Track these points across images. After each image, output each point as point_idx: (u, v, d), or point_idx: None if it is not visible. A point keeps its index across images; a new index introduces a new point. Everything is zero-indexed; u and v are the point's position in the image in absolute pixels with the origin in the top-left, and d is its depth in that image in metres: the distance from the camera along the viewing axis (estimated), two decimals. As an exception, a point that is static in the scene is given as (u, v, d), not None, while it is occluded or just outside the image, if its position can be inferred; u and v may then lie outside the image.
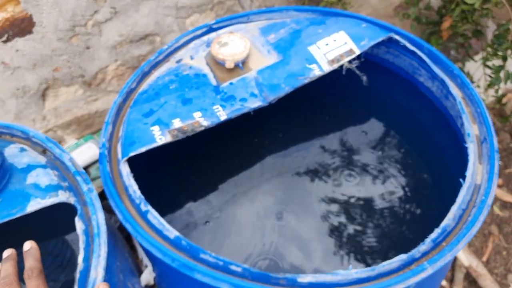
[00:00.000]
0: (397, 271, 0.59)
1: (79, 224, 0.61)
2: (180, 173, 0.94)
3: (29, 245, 0.52)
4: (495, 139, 0.69)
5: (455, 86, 0.76)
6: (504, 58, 1.18)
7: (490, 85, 1.22)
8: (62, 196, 0.62)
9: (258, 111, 0.75)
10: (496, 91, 1.24)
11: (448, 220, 0.62)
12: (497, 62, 1.22)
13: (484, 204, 0.63)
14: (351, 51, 0.78)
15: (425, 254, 0.61)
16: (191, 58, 0.83)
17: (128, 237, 1.00)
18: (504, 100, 1.51)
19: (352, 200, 0.90)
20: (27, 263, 0.51)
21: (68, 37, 1.12)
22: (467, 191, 0.64)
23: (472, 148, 0.67)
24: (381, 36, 0.79)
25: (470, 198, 0.65)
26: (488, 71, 1.24)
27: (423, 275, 0.58)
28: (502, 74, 1.19)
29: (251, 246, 0.84)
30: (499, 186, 1.44)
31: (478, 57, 1.33)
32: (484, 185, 0.65)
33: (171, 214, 0.89)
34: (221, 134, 0.89)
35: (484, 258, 1.33)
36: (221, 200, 0.91)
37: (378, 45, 0.83)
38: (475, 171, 0.67)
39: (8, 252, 0.52)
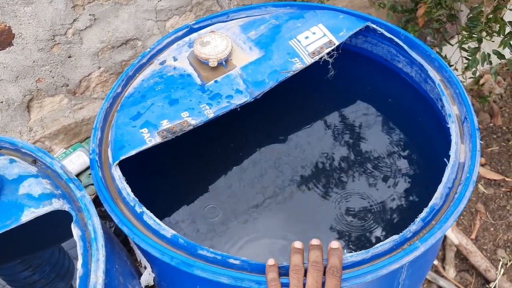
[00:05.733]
0: (390, 252, 0.61)
1: (75, 231, 0.62)
2: (173, 173, 0.95)
3: (337, 245, 0.59)
4: (475, 118, 0.71)
5: (433, 69, 0.79)
6: (479, 40, 1.21)
7: (467, 68, 1.25)
8: (56, 204, 0.62)
9: (244, 107, 0.76)
10: (474, 72, 1.27)
11: (436, 199, 0.64)
12: (472, 44, 1.25)
13: (469, 181, 0.66)
14: (330, 42, 0.80)
15: (416, 233, 0.63)
16: (174, 59, 0.84)
17: (125, 240, 1.00)
18: (481, 81, 1.55)
19: (346, 186, 0.92)
20: (332, 261, 0.57)
21: (49, 47, 1.12)
22: (451, 170, 0.66)
23: (453, 128, 0.70)
24: (358, 26, 0.81)
25: (455, 177, 0.68)
26: (465, 53, 1.27)
27: (416, 253, 0.60)
28: (478, 56, 1.22)
29: (251, 239, 0.86)
30: (482, 165, 1.48)
31: (454, 41, 1.36)
32: (468, 163, 0.68)
33: (168, 214, 0.89)
34: (210, 132, 0.91)
35: (473, 236, 1.37)
36: (217, 197, 0.92)
37: (356, 35, 0.85)
38: (458, 150, 0.69)
39: (300, 245, 0.61)
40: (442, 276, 1.31)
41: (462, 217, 1.41)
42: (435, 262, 1.31)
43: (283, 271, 0.60)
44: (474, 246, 1.30)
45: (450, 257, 1.33)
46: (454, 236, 1.30)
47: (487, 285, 1.28)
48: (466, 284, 1.30)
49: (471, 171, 0.66)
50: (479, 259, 1.29)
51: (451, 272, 1.31)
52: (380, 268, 0.59)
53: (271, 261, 0.59)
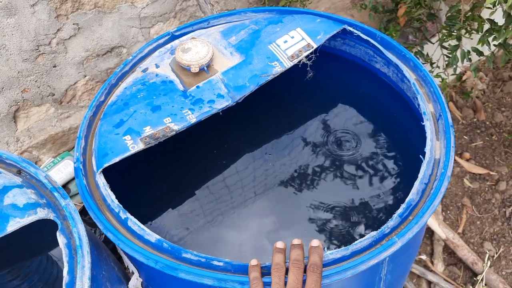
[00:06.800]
0: (369, 248, 0.63)
1: (61, 239, 0.63)
2: (158, 179, 0.96)
3: (317, 243, 0.61)
4: (449, 115, 0.73)
5: (409, 69, 0.81)
6: (459, 38, 1.24)
7: (448, 65, 1.27)
8: (41, 213, 0.63)
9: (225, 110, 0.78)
10: (455, 69, 1.30)
11: (412, 195, 0.66)
12: (452, 42, 1.28)
13: (444, 176, 0.67)
14: (308, 46, 0.82)
15: (394, 229, 0.65)
16: (157, 66, 0.85)
17: (114, 248, 1.01)
18: (464, 77, 1.58)
19: (327, 186, 0.93)
20: (313, 259, 0.59)
21: (34, 57, 1.13)
22: (427, 166, 0.68)
23: (428, 126, 0.72)
24: (335, 29, 0.83)
25: (431, 172, 0.70)
26: (445, 51, 1.30)
27: (393, 248, 0.62)
28: (458, 53, 1.24)
29: (235, 241, 0.87)
30: (467, 160, 1.51)
31: (435, 39, 1.38)
32: (443, 159, 0.70)
33: (152, 219, 0.91)
34: (193, 138, 0.92)
35: (460, 230, 1.39)
36: (200, 201, 0.93)
37: (334, 37, 0.87)
38: (434, 146, 0.71)
39: (281, 245, 0.62)
40: (431, 271, 1.33)
41: (448, 212, 1.43)
42: (423, 257, 1.33)
43: (266, 271, 0.61)
44: (461, 240, 1.33)
45: (438, 251, 1.35)
46: (441, 231, 1.32)
47: (474, 278, 1.30)
48: (455, 278, 1.32)
49: (445, 166, 0.68)
50: (466, 253, 1.31)
51: (439, 266, 1.33)
52: (359, 264, 0.60)
53: (253, 262, 0.61)
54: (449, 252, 1.36)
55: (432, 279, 1.31)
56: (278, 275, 0.58)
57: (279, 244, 0.63)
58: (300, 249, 0.61)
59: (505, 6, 1.03)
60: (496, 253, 1.34)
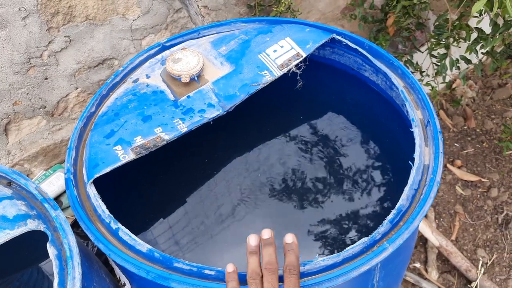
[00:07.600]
0: (361, 254, 0.63)
1: (51, 250, 0.62)
2: (149, 189, 0.96)
3: (291, 239, 0.55)
4: (437, 122, 0.74)
5: (397, 77, 0.82)
6: (447, 47, 1.26)
7: (437, 73, 1.29)
8: (31, 225, 0.63)
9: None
10: (444, 78, 1.31)
11: (402, 201, 0.66)
12: (441, 51, 1.30)
13: (433, 182, 0.68)
14: (298, 55, 0.83)
15: (385, 234, 0.65)
16: (147, 76, 0.86)
17: (106, 261, 1.00)
18: (454, 85, 1.60)
19: (317, 193, 0.94)
20: (289, 259, 0.53)
21: (25, 69, 1.13)
22: (416, 172, 0.69)
23: (417, 132, 0.73)
24: (324, 38, 0.84)
25: (420, 178, 0.70)
26: (434, 59, 1.32)
27: (385, 254, 0.62)
28: (447, 61, 1.26)
29: (226, 250, 0.87)
30: (459, 167, 1.52)
31: (424, 48, 1.40)
32: (432, 164, 0.70)
33: (143, 230, 0.90)
34: (184, 149, 0.92)
35: (453, 237, 1.39)
36: (192, 211, 0.93)
37: (323, 46, 0.88)
38: (423, 152, 0.72)
39: (254, 242, 0.56)
40: (425, 279, 1.33)
41: (441, 219, 1.44)
42: (418, 265, 1.33)
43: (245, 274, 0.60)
44: (454, 247, 1.33)
45: (432, 259, 1.35)
46: (435, 238, 1.32)
47: (468, 285, 1.30)
48: (449, 285, 1.32)
49: (434, 172, 0.68)
50: (459, 260, 1.31)
51: (433, 274, 1.33)
52: (351, 270, 0.60)
53: (230, 268, 0.57)
54: (443, 260, 1.36)
55: (426, 287, 1.30)
56: (255, 283, 0.55)
57: (252, 241, 0.57)
58: (272, 246, 0.57)
59: (491, 15, 1.05)
60: (490, 259, 1.35)
